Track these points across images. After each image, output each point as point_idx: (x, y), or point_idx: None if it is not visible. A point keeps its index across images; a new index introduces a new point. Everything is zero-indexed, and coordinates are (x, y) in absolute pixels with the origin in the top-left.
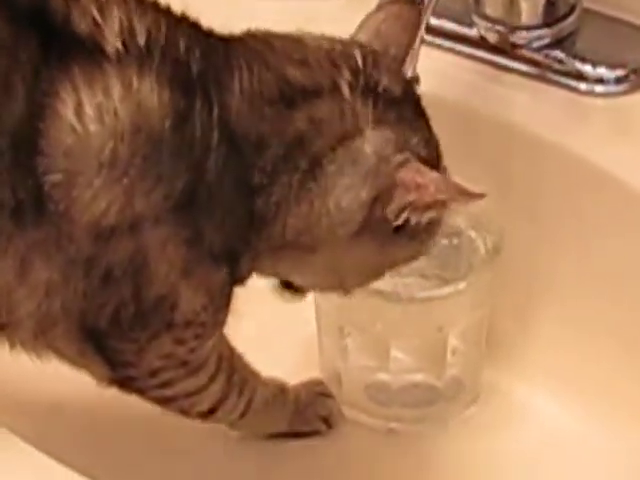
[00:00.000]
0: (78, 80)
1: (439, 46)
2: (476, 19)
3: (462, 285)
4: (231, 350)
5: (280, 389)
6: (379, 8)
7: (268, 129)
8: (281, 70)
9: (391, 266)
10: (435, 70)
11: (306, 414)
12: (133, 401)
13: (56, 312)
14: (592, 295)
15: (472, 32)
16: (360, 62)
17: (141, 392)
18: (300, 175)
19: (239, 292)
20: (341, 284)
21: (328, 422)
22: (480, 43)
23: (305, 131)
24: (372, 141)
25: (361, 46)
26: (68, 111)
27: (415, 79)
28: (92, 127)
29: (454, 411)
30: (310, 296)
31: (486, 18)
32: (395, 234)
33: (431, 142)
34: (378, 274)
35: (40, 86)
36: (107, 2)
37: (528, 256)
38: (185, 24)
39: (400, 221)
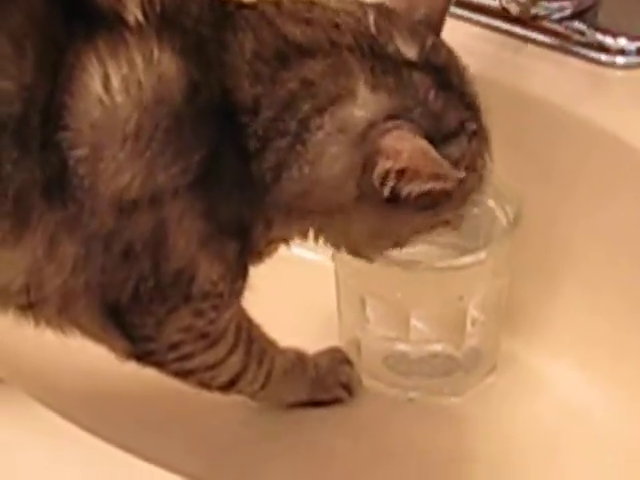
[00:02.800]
0: (103, 52)
1: (461, 17)
2: None
3: (482, 255)
4: (249, 321)
5: (299, 358)
6: None
7: (262, 90)
8: (282, 29)
9: (406, 235)
10: (457, 41)
11: (326, 382)
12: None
13: (79, 288)
14: (610, 263)
15: (494, 3)
16: (370, 24)
17: (160, 365)
18: (290, 139)
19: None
20: (356, 249)
21: (348, 389)
22: (502, 14)
23: (297, 91)
24: (362, 105)
25: (378, 8)
26: (95, 84)
27: None
28: (119, 99)
29: (472, 381)
30: (330, 265)
31: None
32: (392, 204)
33: (435, 114)
34: (394, 242)
35: (67, 59)
36: None
37: (546, 226)
38: None
39: (387, 189)
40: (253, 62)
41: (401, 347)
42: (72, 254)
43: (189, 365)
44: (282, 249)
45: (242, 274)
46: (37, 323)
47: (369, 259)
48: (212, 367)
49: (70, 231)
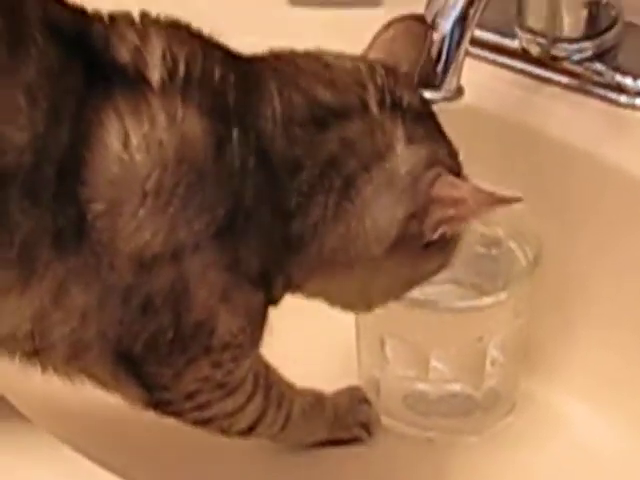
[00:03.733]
0: (123, 109)
1: (482, 58)
2: (518, 31)
3: (503, 296)
4: (266, 366)
5: (317, 398)
6: (387, 26)
7: (301, 151)
8: (311, 92)
9: (419, 280)
10: (478, 82)
11: (345, 421)
12: None
13: (90, 337)
14: (628, 301)
15: (514, 44)
16: (384, 79)
17: (178, 414)
18: (336, 196)
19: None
20: (368, 302)
21: (367, 428)
22: (522, 55)
23: (338, 152)
24: (405, 159)
25: (382, 64)
26: (114, 140)
27: (459, 90)
28: (138, 156)
29: (491, 421)
30: None
31: (528, 30)
32: (426, 248)
33: (453, 152)
34: (406, 289)
35: (85, 114)
36: (145, 28)
37: (563, 265)
38: (216, 48)
39: (436, 236)
40: (288, 126)
41: (420, 387)
42: (81, 304)
43: (207, 414)
44: None
45: (261, 324)
46: (44, 370)
47: (371, 310)
48: (230, 415)
49: (83, 281)
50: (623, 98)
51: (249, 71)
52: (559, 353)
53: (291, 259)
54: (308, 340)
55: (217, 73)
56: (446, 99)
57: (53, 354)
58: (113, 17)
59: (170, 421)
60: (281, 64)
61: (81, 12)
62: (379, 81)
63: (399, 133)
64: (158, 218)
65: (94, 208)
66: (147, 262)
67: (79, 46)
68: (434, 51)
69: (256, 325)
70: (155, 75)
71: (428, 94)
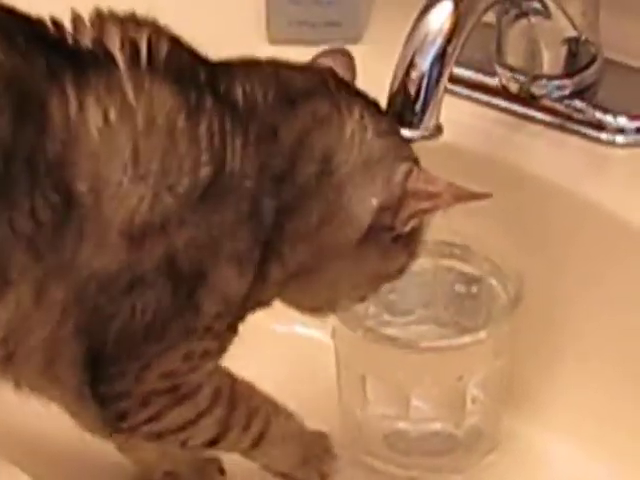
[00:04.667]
0: (100, 89)
1: (461, 95)
2: (498, 68)
3: (482, 334)
4: (233, 386)
5: (300, 431)
6: (313, 60)
7: (276, 121)
8: (277, 77)
9: (386, 277)
10: (457, 119)
11: (310, 464)
12: None
13: (66, 336)
14: (610, 338)
15: (494, 81)
16: (336, 77)
17: (132, 430)
18: (315, 166)
19: (259, 338)
20: (335, 298)
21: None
22: (501, 92)
23: (311, 126)
24: (376, 148)
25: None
26: (92, 120)
27: (438, 128)
28: (115, 128)
29: (473, 459)
30: (330, 343)
31: (508, 67)
32: (394, 241)
33: (410, 147)
34: (372, 286)
35: (53, 106)
36: (101, 22)
37: (547, 304)
38: (178, 40)
39: (407, 228)
40: (260, 101)
41: (401, 425)
42: (61, 298)
43: (160, 426)
44: (282, 327)
45: (234, 321)
46: (17, 385)
47: (333, 311)
48: (183, 428)
49: (60, 276)
50: (603, 135)
51: (219, 64)
52: (542, 391)
53: (280, 238)
54: (289, 378)
55: (184, 56)
56: (425, 137)
57: (29, 363)
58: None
59: None
60: (244, 63)
61: (34, 19)
62: (334, 74)
63: (367, 122)
64: (141, 185)
65: (79, 187)
66: (137, 234)
67: (36, 43)
68: (412, 89)
69: (232, 319)
70: (119, 56)
71: (406, 132)
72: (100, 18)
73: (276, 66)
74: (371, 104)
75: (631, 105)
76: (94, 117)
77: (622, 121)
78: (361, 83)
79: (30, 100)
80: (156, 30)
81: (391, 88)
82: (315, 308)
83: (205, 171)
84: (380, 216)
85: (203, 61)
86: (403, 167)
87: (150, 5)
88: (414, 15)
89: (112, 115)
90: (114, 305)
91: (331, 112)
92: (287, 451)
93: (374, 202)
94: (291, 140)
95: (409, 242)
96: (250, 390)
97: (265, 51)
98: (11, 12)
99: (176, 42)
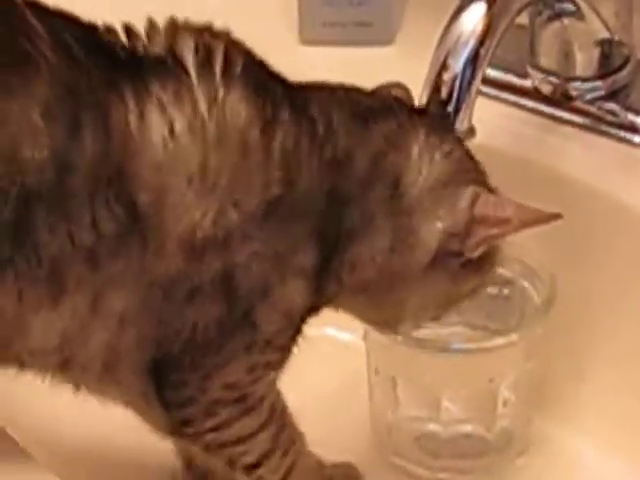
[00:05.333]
0: (163, 98)
1: (494, 97)
2: (530, 70)
3: (514, 336)
4: (283, 405)
5: (319, 465)
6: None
7: (353, 142)
8: (349, 96)
9: (454, 301)
10: (489, 121)
11: None
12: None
13: (128, 346)
14: None
15: (526, 83)
16: (405, 102)
17: (196, 437)
18: (385, 189)
19: None
20: (400, 319)
21: None
22: (534, 94)
23: (383, 149)
24: (444, 170)
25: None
26: (155, 132)
27: (471, 130)
28: (182, 141)
29: (504, 462)
30: (361, 344)
31: (540, 69)
32: (464, 266)
33: (482, 169)
34: (441, 310)
35: (114, 118)
36: (175, 30)
37: (580, 307)
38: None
39: (477, 254)
40: (336, 120)
41: (432, 427)
42: (120, 309)
43: (224, 436)
44: (314, 329)
45: (296, 332)
46: (76, 388)
47: (398, 331)
48: (243, 440)
49: (120, 286)
50: (636, 138)
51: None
52: (574, 394)
53: (343, 256)
54: (321, 380)
55: (261, 70)
56: None
57: (87, 369)
58: (133, 27)
59: None
60: (318, 88)
61: (92, 27)
62: (402, 101)
63: (436, 145)
64: (206, 199)
65: (143, 198)
66: (198, 246)
67: (95, 52)
68: (445, 91)
69: (295, 331)
70: (191, 63)
71: None
72: (174, 26)
73: (346, 89)
74: (437, 124)
75: None
76: (157, 127)
77: None
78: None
79: (88, 110)
80: (232, 42)
81: (424, 90)
82: (379, 323)
83: (275, 190)
84: (447, 242)
85: (278, 78)
86: (469, 191)
87: (182, 6)
88: (447, 16)
89: (179, 125)
90: (178, 315)
91: (400, 134)
92: None
93: (439, 227)
94: (365, 164)
95: (481, 265)
96: (292, 417)
97: (298, 52)
98: (68, 19)
99: (252, 56)
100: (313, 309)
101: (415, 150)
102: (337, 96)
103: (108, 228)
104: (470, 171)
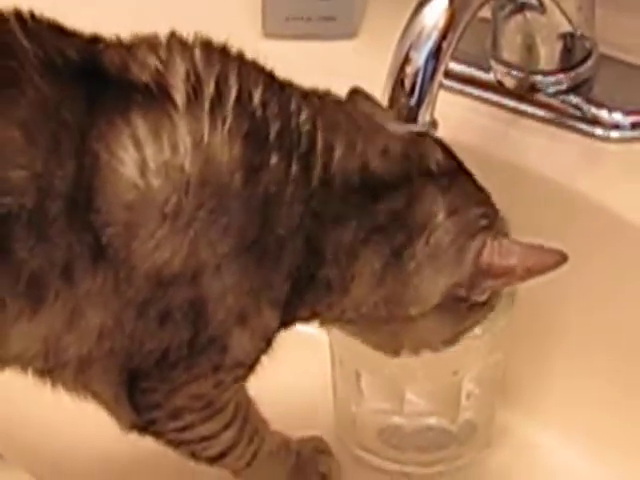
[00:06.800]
0: (140, 132)
1: (456, 90)
2: (493, 64)
3: (477, 330)
4: (248, 400)
5: (284, 442)
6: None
7: (349, 212)
8: (365, 159)
9: (463, 333)
10: (452, 114)
11: (306, 470)
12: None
13: (101, 355)
14: (605, 335)
15: (489, 77)
16: (428, 150)
17: (159, 435)
18: (381, 262)
19: None
20: (398, 350)
21: (327, 479)
22: (497, 88)
23: (386, 223)
24: (447, 231)
25: (425, 133)
26: (127, 169)
27: (433, 123)
28: (155, 182)
29: (467, 454)
30: (325, 340)
31: (503, 63)
32: (470, 308)
33: (486, 201)
34: (445, 344)
35: (90, 144)
36: (169, 52)
37: (541, 300)
38: (258, 72)
39: (483, 299)
40: (336, 184)
41: (396, 420)
42: (98, 324)
43: (186, 436)
44: None
45: (268, 348)
46: (54, 386)
47: (399, 356)
48: (206, 439)
49: (97, 302)
50: (598, 131)
51: (297, 101)
52: (537, 387)
53: (317, 298)
54: (284, 374)
55: (257, 97)
56: None
57: (64, 371)
58: (133, 40)
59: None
60: (334, 109)
61: (91, 40)
62: (423, 152)
63: (440, 205)
64: (177, 239)
65: (109, 232)
66: (165, 281)
67: (84, 76)
68: (407, 84)
69: (267, 347)
70: (179, 94)
71: (401, 127)
72: (169, 45)
73: (367, 141)
74: (449, 170)
75: (626, 100)
76: (129, 162)
77: (617, 116)
78: (356, 79)
79: (67, 134)
80: (236, 64)
81: (386, 83)
82: (377, 349)
83: (251, 234)
84: (452, 292)
85: (279, 96)
86: (476, 243)
87: (145, 0)
88: (409, 10)
89: (153, 164)
90: (151, 335)
91: (408, 209)
92: (276, 467)
93: (444, 283)
94: (358, 236)
95: (485, 302)
96: (253, 405)
97: (261, 46)
98: (61, 33)
99: (249, 75)
100: (289, 324)
101: (418, 216)
102: (347, 163)
103: (81, 251)
104: (477, 219)
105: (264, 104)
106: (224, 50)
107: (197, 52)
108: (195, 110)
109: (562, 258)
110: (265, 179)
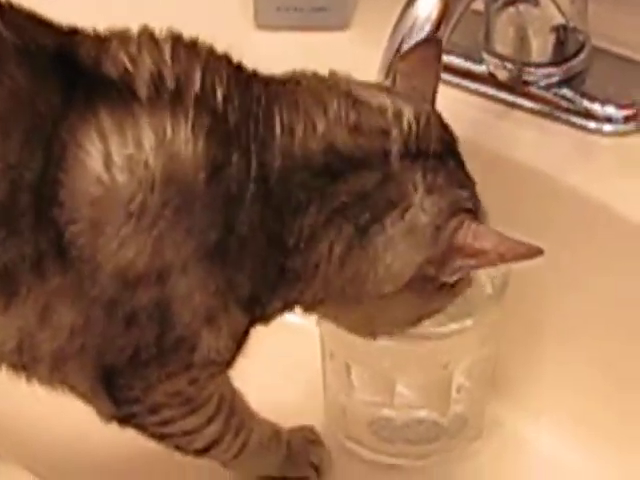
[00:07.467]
0: (106, 128)
1: (448, 82)
2: (486, 56)
3: (469, 322)
4: (233, 392)
5: (275, 433)
6: (402, 58)
7: (308, 197)
8: (330, 138)
9: (428, 316)
10: (445, 107)
11: (297, 460)
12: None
13: (74, 350)
14: (596, 332)
15: (481, 69)
16: (411, 125)
17: (140, 428)
18: (344, 242)
19: None
20: (373, 331)
21: (318, 469)
22: (489, 80)
23: (350, 203)
24: (425, 210)
25: (415, 105)
26: (93, 162)
27: None
28: (120, 178)
29: (458, 447)
30: (315, 332)
31: (496, 55)
32: (438, 289)
33: (472, 189)
34: (414, 323)
35: (62, 135)
36: (138, 48)
37: (534, 293)
38: (224, 66)
39: (453, 279)
40: (297, 169)
41: (386, 413)
42: (69, 321)
43: (167, 430)
44: None
45: (241, 344)
46: (29, 380)
47: (376, 338)
48: (189, 434)
49: (67, 300)
50: (591, 124)
51: (262, 92)
52: (527, 380)
53: (286, 290)
54: (274, 366)
55: (220, 92)
56: None
57: (39, 367)
58: (108, 35)
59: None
60: (301, 92)
61: (69, 32)
62: (405, 127)
63: (419, 183)
64: (142, 238)
65: (72, 229)
66: (131, 281)
67: (60, 67)
68: None
69: (240, 343)
70: (142, 89)
71: None
72: (140, 40)
73: (335, 119)
74: (436, 151)
75: (619, 94)
76: (95, 157)
77: (610, 110)
78: (348, 70)
79: (41, 128)
80: (193, 56)
81: (379, 75)
82: (352, 330)
83: (214, 234)
84: (423, 269)
85: (243, 89)
86: (452, 223)
87: None
88: (402, 1)
89: (118, 159)
90: (121, 334)
91: (380, 188)
92: (266, 458)
93: (416, 259)
94: (319, 219)
95: (455, 285)
96: (240, 397)
97: (252, 37)
98: (41, 25)
99: (214, 70)
100: (265, 320)
101: (394, 192)
102: (310, 144)
103: (47, 248)
104: (456, 201)
105: (226, 99)
106: (194, 45)
107: (166, 48)
108: (157, 106)
109: (537, 251)
110: (227, 178)
